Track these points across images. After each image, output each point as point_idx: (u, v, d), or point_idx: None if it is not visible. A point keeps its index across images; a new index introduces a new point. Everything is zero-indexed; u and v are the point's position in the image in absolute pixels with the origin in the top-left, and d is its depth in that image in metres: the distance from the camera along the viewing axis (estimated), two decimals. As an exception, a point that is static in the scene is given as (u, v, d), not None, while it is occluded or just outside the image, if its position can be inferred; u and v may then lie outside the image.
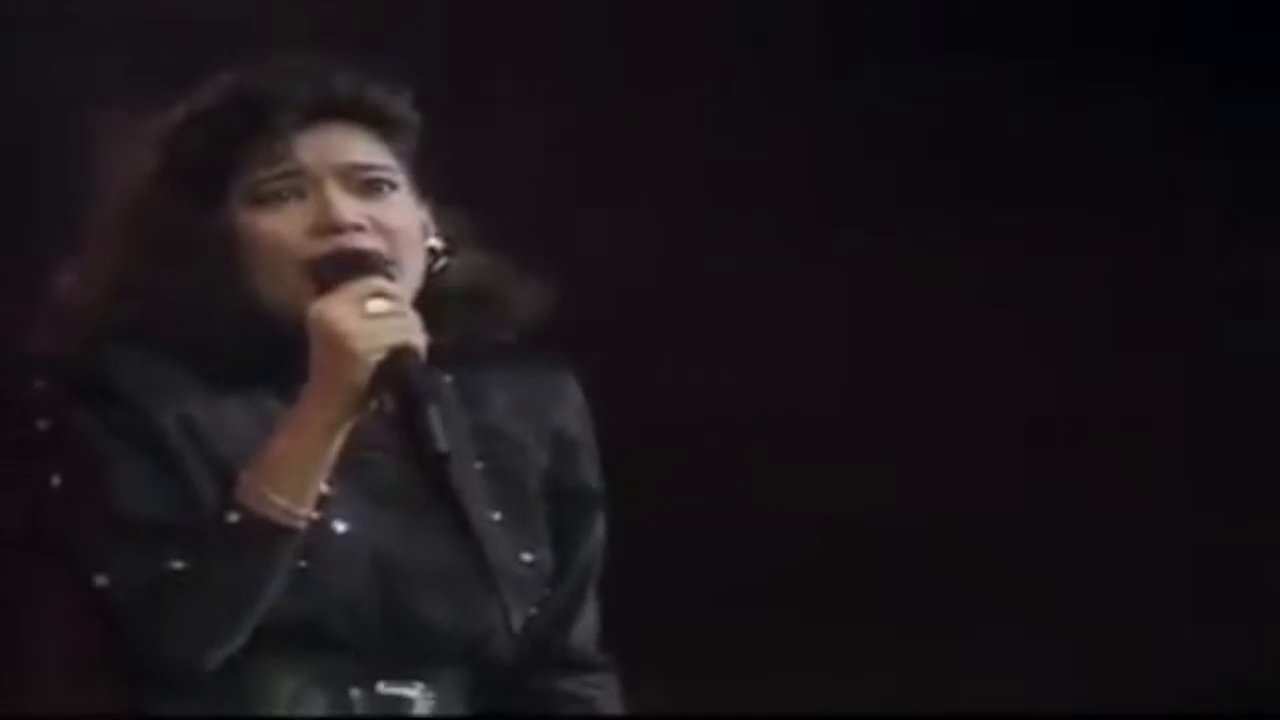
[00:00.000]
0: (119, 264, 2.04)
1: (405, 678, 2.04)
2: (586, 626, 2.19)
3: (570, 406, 2.15)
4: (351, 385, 1.93)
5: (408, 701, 2.07)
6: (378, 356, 1.91)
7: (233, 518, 1.92)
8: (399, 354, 1.91)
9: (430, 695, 2.07)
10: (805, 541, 5.32)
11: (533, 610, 2.08)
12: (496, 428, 2.10)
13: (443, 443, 1.92)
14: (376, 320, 1.93)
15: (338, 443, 1.94)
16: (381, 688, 2.05)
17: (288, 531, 1.92)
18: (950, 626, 5.58)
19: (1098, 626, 5.69)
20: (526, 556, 2.09)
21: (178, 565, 1.93)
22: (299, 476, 1.94)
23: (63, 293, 2.05)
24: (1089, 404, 6.02)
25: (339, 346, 1.91)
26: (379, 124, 2.04)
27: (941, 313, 5.86)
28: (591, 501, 2.18)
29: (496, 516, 2.07)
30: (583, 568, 2.18)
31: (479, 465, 2.07)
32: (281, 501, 1.92)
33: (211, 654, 1.95)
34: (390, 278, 1.97)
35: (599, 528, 2.20)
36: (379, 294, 1.93)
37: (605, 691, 2.19)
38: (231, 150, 2.02)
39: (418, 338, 1.93)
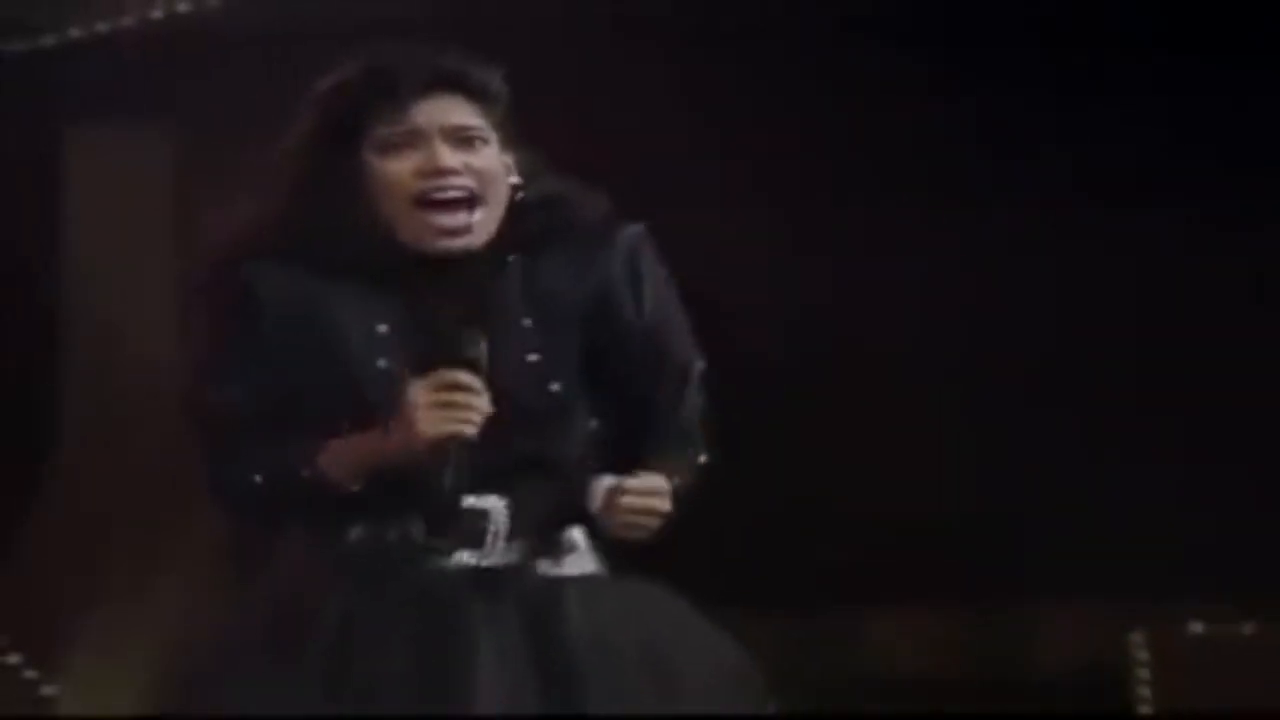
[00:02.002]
0: (279, 195, 2.70)
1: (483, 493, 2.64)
2: (659, 428, 2.75)
3: (616, 250, 2.72)
4: (411, 447, 2.55)
5: (487, 512, 2.67)
6: (434, 436, 2.54)
7: (305, 473, 2.60)
8: (450, 438, 2.54)
9: (507, 505, 2.67)
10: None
11: (593, 424, 2.69)
12: (547, 287, 2.68)
13: (451, 487, 2.58)
14: (444, 410, 2.54)
15: (394, 465, 2.58)
16: (467, 501, 2.64)
17: (340, 487, 2.60)
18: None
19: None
20: (554, 386, 2.66)
21: (259, 479, 2.63)
22: (353, 475, 2.60)
23: (238, 217, 2.74)
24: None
25: (410, 420, 2.54)
26: (476, 95, 2.66)
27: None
28: (629, 327, 2.74)
29: (533, 359, 2.65)
30: (626, 380, 2.74)
31: (527, 322, 2.65)
32: (339, 480, 2.60)
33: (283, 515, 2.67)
34: (474, 208, 2.61)
35: (644, 350, 2.76)
36: (455, 386, 2.54)
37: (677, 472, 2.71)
38: (364, 112, 2.64)
39: (470, 429, 2.54)
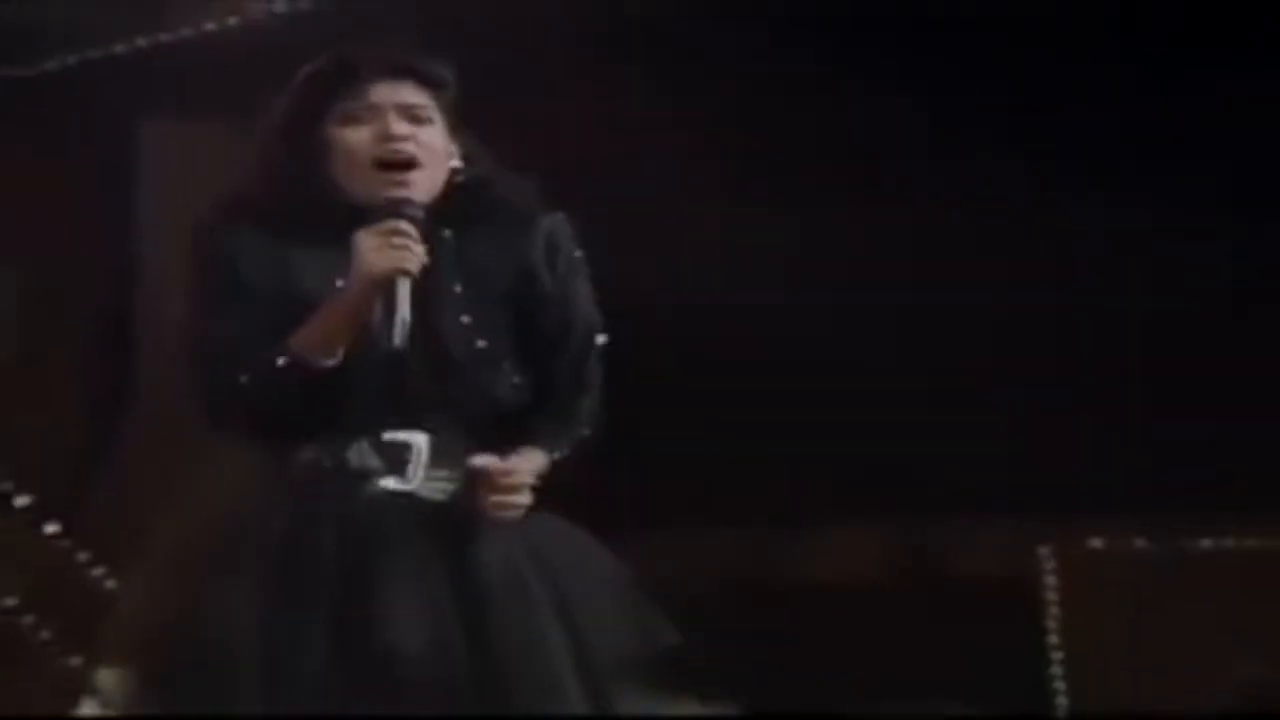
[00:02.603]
0: (259, 166, 3.15)
1: (408, 428, 3.02)
2: (564, 392, 3.13)
3: (538, 233, 3.11)
4: (364, 288, 2.93)
5: (411, 445, 3.04)
6: (382, 271, 2.92)
7: (280, 361, 2.95)
8: (395, 271, 2.91)
9: (429, 440, 3.02)
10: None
11: (516, 380, 3.05)
12: (475, 262, 3.06)
13: (399, 337, 2.92)
14: (389, 250, 2.94)
15: (358, 321, 2.95)
16: (395, 435, 3.03)
17: (315, 370, 2.94)
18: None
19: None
20: (480, 343, 3.03)
21: (244, 380, 2.97)
22: (323, 345, 2.95)
23: (226, 187, 3.19)
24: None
25: (361, 262, 2.93)
26: (426, 81, 3.07)
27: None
28: (546, 301, 3.11)
29: (465, 320, 3.03)
30: (539, 343, 3.10)
31: (457, 288, 3.03)
32: (313, 355, 2.94)
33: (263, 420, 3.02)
34: (417, 168, 2.99)
35: (556, 318, 3.13)
36: (395, 232, 2.93)
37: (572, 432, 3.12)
38: (331, 93, 3.07)
39: (412, 264, 2.91)
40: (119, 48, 6.78)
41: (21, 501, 6.75)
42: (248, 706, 3.11)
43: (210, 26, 6.80)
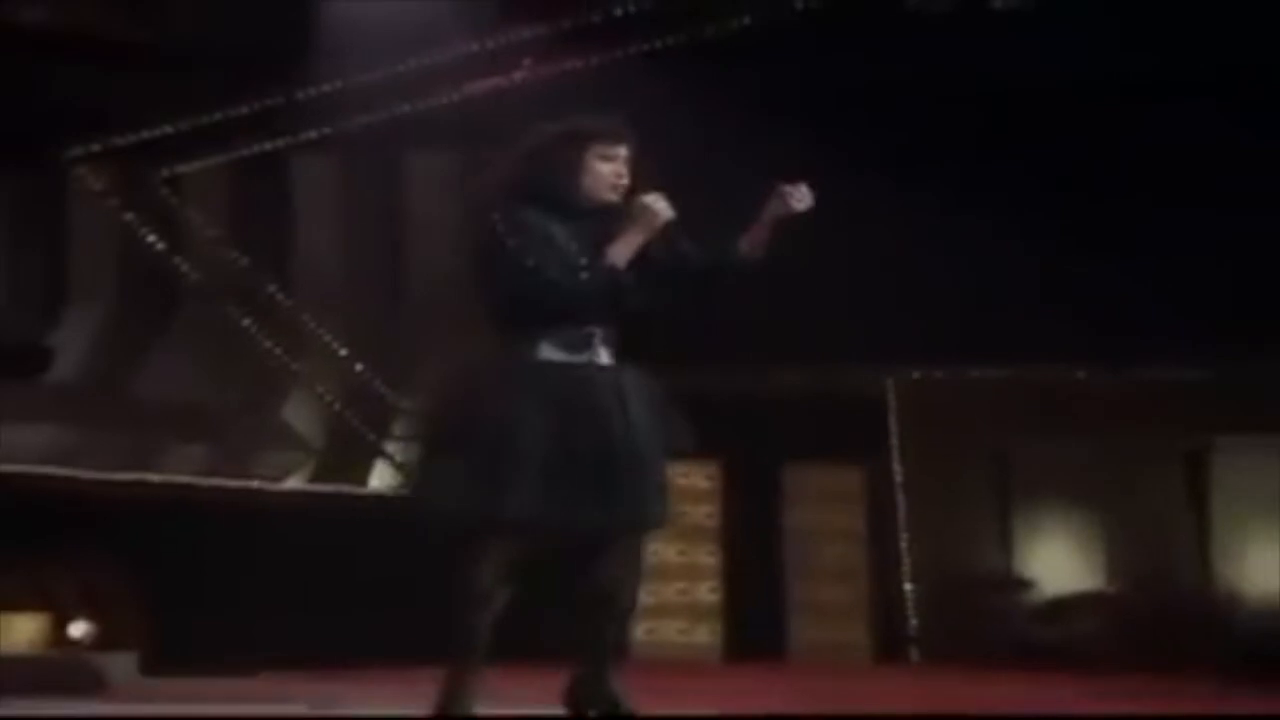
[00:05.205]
0: (528, 163, 4.91)
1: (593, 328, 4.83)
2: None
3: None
4: (650, 226, 4.81)
5: (594, 334, 4.81)
6: (664, 216, 4.79)
7: (584, 275, 4.77)
8: (667, 220, 4.78)
9: (600, 334, 4.81)
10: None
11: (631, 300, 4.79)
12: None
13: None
14: (660, 206, 4.76)
15: (636, 248, 4.76)
16: (588, 330, 4.81)
17: (616, 273, 4.80)
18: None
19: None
20: (625, 280, 4.77)
21: (585, 275, 4.75)
22: (621, 256, 4.78)
23: (498, 172, 4.95)
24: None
25: (650, 209, 4.80)
26: (630, 143, 4.93)
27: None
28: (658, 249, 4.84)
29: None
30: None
31: None
32: (614, 262, 4.77)
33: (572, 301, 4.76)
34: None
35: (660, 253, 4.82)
36: (660, 199, 4.79)
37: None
38: (594, 138, 4.90)
39: (671, 215, 4.73)
40: (390, 111, 10.16)
41: (343, 352, 10.53)
42: (517, 473, 4.65)
43: (449, 99, 10.04)
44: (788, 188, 4.80)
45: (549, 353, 4.74)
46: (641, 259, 4.82)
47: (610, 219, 4.83)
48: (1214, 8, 9.14)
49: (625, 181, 4.84)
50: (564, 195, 4.83)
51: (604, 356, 4.81)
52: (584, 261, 4.72)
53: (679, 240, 4.86)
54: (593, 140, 4.83)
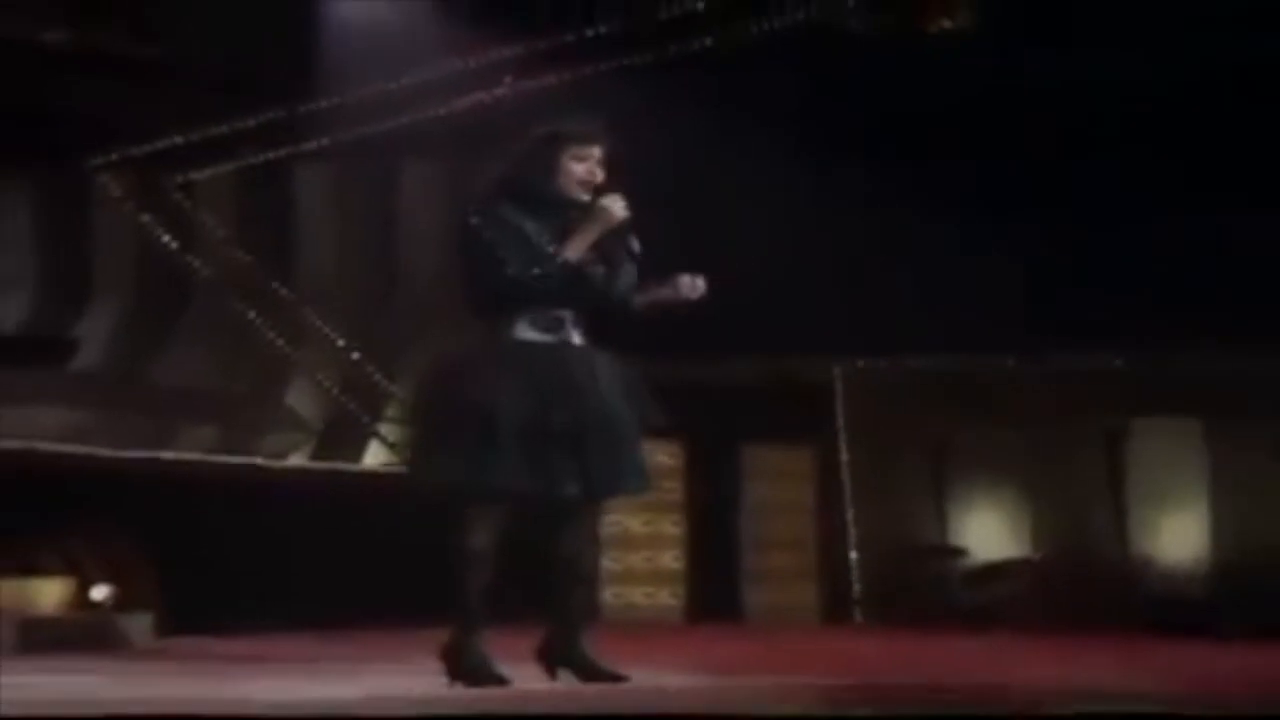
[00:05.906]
0: (514, 164, 5.24)
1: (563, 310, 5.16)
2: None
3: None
4: (606, 224, 5.13)
5: (565, 317, 5.14)
6: (620, 217, 5.10)
7: (552, 266, 5.05)
8: (623, 220, 5.10)
9: (571, 315, 5.11)
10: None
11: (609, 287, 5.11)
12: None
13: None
14: (616, 206, 5.05)
15: (590, 243, 5.07)
16: (559, 312, 5.13)
17: (570, 266, 5.11)
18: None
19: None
20: (598, 269, 5.15)
21: (538, 271, 5.05)
22: (577, 251, 5.08)
23: (490, 176, 5.26)
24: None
25: (607, 210, 5.10)
26: (603, 143, 5.25)
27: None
28: (616, 243, 5.20)
29: (591, 254, 5.13)
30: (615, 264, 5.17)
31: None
32: (572, 255, 5.07)
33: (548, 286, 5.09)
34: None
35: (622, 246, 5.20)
36: (617, 200, 5.09)
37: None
38: (569, 140, 5.21)
39: (626, 215, 5.03)
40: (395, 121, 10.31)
41: (341, 343, 10.91)
42: (501, 446, 4.84)
43: (439, 112, 10.29)
44: (685, 278, 5.17)
45: (525, 333, 5.06)
46: (598, 252, 5.16)
47: (583, 214, 5.16)
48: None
49: (599, 179, 5.15)
50: (539, 192, 5.14)
51: (575, 337, 5.14)
52: (552, 252, 5.06)
53: (630, 241, 5.17)
54: (568, 141, 5.13)
